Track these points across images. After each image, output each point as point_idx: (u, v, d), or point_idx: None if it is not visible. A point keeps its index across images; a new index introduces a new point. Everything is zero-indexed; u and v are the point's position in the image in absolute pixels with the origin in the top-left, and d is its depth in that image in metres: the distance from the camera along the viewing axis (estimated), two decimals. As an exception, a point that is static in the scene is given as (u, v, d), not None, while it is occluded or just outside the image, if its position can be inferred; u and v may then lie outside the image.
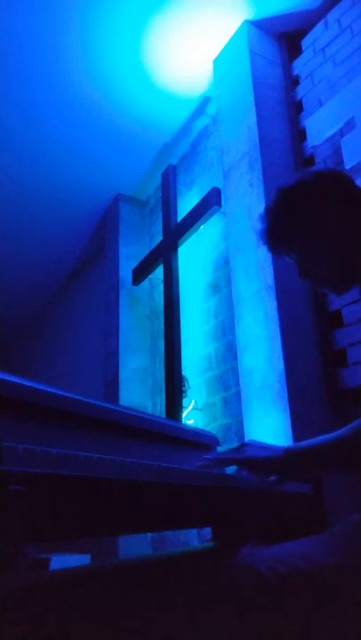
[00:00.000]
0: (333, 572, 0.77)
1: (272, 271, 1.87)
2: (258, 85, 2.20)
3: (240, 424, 2.12)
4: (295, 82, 2.31)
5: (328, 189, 0.97)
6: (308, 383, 1.79)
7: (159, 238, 3.02)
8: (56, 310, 5.03)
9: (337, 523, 0.89)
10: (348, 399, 1.78)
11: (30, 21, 2.33)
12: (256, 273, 1.96)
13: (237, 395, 2.16)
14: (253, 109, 2.15)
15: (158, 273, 3.00)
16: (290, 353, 1.79)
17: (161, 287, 2.89)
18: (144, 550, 2.66)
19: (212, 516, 0.97)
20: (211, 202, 2.49)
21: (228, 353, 2.38)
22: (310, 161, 2.12)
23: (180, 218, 2.80)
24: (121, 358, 3.16)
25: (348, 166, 1.87)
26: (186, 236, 2.71)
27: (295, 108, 2.25)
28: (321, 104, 2.11)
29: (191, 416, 2.49)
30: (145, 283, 3.28)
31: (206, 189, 2.63)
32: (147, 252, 3.21)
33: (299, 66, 2.29)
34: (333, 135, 2.00)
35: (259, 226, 1.03)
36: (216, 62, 2.53)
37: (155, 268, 3.08)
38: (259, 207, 1.98)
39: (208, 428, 2.37)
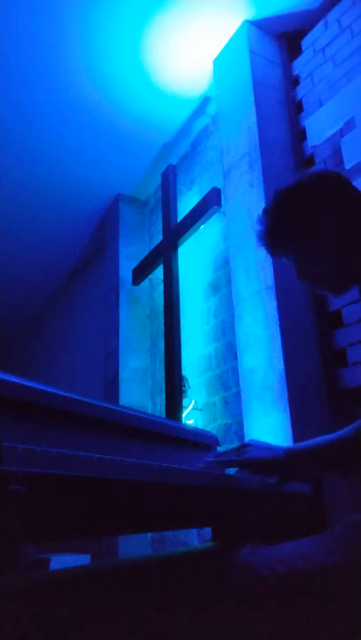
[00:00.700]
0: (333, 572, 0.77)
1: (272, 271, 1.87)
2: (258, 85, 2.20)
3: (240, 424, 2.12)
4: (295, 82, 2.31)
5: (326, 191, 0.97)
6: (308, 383, 1.79)
7: (159, 238, 3.02)
8: (56, 310, 5.03)
9: (337, 523, 0.89)
10: (348, 399, 1.78)
11: (30, 21, 2.33)
12: (256, 273, 1.96)
13: (237, 395, 2.16)
14: (253, 109, 2.15)
15: (158, 273, 3.00)
16: (290, 353, 1.79)
17: (161, 287, 2.89)
18: (144, 550, 2.66)
19: (212, 515, 0.97)
20: (211, 202, 2.49)
21: (228, 353, 2.38)
22: (310, 161, 2.12)
23: (180, 218, 2.80)
24: (121, 358, 3.16)
25: (348, 166, 1.88)
26: (186, 236, 2.71)
27: (295, 108, 2.25)
28: (321, 104, 2.11)
29: (191, 416, 2.49)
30: (145, 283, 3.28)
31: (206, 189, 2.63)
32: (147, 252, 3.21)
33: (299, 66, 2.29)
34: (333, 135, 2.00)
35: (257, 227, 1.03)
36: (216, 62, 2.53)
37: (155, 268, 3.08)
38: (259, 207, 1.97)
39: (208, 428, 2.37)
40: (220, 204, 2.47)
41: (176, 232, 2.78)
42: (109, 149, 3.15)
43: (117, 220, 3.54)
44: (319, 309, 1.92)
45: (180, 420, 2.42)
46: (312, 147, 2.11)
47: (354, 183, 1.03)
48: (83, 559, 2.21)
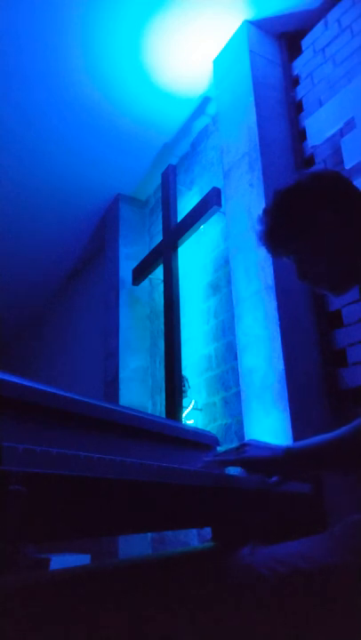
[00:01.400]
0: (333, 572, 0.77)
1: (272, 271, 1.87)
2: (258, 85, 2.20)
3: (240, 424, 2.12)
4: (295, 82, 2.31)
5: (325, 191, 0.97)
6: (308, 383, 1.79)
7: (159, 238, 3.02)
8: (56, 310, 5.03)
9: (337, 523, 0.89)
10: (348, 399, 1.78)
11: (30, 21, 2.33)
12: (256, 273, 1.96)
13: (237, 395, 2.16)
14: (253, 109, 2.15)
15: (158, 273, 3.00)
16: (290, 353, 1.79)
17: (161, 287, 2.89)
18: (144, 550, 2.66)
19: (212, 515, 0.97)
20: (211, 202, 2.49)
21: (228, 353, 2.38)
22: (310, 161, 2.12)
23: (180, 218, 2.80)
24: (121, 358, 3.16)
25: (348, 166, 1.88)
26: (186, 236, 2.71)
27: (295, 108, 2.25)
28: (321, 104, 2.11)
29: (191, 416, 2.49)
30: (145, 283, 3.28)
31: (206, 189, 2.63)
32: (147, 252, 3.21)
33: (299, 66, 2.29)
34: (333, 135, 2.00)
35: (257, 228, 1.03)
36: (216, 62, 2.53)
37: (155, 268, 3.08)
38: (259, 207, 1.98)
39: (208, 428, 2.37)
40: (220, 204, 2.47)
41: (176, 232, 2.78)
42: (109, 149, 3.15)
43: (117, 220, 3.54)
44: (319, 309, 1.92)
45: (180, 420, 2.42)
46: (312, 147, 2.11)
47: (354, 183, 1.03)
48: (83, 559, 2.21)
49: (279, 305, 1.83)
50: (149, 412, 3.07)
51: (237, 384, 2.13)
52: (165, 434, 1.00)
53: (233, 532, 1.06)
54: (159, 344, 3.08)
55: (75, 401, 0.76)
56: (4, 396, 0.63)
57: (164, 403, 2.66)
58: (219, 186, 2.51)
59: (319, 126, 2.08)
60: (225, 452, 1.03)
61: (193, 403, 2.51)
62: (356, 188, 1.00)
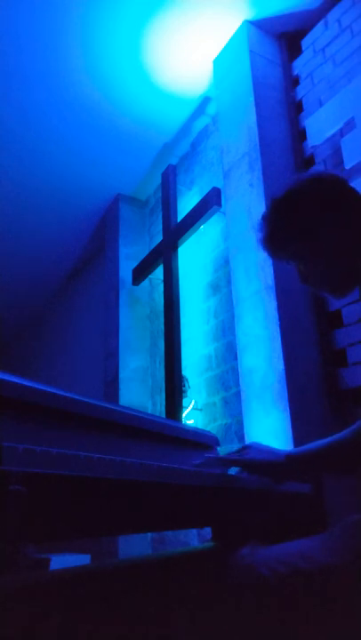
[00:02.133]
0: (333, 572, 0.77)
1: (272, 271, 1.87)
2: (258, 85, 2.20)
3: (240, 424, 2.12)
4: (295, 82, 2.31)
5: (323, 195, 0.98)
6: (308, 383, 1.79)
7: (159, 238, 3.02)
8: (56, 310, 5.03)
9: (337, 523, 0.89)
10: (348, 399, 1.78)
11: (30, 21, 2.33)
12: (256, 273, 1.96)
13: (237, 395, 2.16)
14: (253, 109, 2.14)
15: (158, 273, 3.00)
16: (290, 353, 1.79)
17: (161, 287, 2.89)
18: (144, 550, 2.66)
19: (212, 515, 0.97)
20: (211, 202, 2.49)
21: (228, 353, 2.38)
22: (310, 161, 2.12)
23: (180, 218, 2.80)
24: (121, 358, 3.16)
25: (348, 166, 1.88)
26: (186, 236, 2.71)
27: (295, 108, 2.25)
28: (321, 104, 2.11)
29: (191, 416, 2.49)
30: (145, 283, 3.28)
31: (206, 189, 2.63)
32: (147, 252, 3.21)
33: (299, 66, 2.29)
34: (333, 135, 2.00)
35: (257, 235, 1.04)
36: (216, 62, 2.53)
37: (155, 268, 3.08)
38: (259, 207, 1.98)
39: (208, 428, 2.37)
40: (220, 204, 2.47)
41: (176, 232, 2.78)
42: (109, 149, 3.15)
43: (117, 220, 3.54)
44: (319, 309, 1.92)
45: (180, 420, 2.42)
46: (312, 147, 2.11)
47: (354, 183, 1.03)
48: (83, 559, 2.21)
49: (279, 305, 1.83)
50: (149, 411, 3.07)
51: (237, 384, 2.13)
52: (165, 434, 1.00)
53: (233, 531, 1.06)
54: (159, 344, 3.08)
55: (75, 401, 0.76)
56: (4, 395, 0.63)
57: (164, 403, 2.66)
58: (219, 186, 2.51)
59: (319, 126, 2.08)
60: (227, 454, 1.04)
61: (193, 403, 2.51)
62: (354, 190, 1.00)
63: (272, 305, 1.85)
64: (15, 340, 5.93)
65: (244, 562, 0.81)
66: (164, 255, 2.85)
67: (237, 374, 2.07)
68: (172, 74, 2.64)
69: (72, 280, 4.71)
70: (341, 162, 1.92)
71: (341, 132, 1.96)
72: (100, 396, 3.29)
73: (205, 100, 2.80)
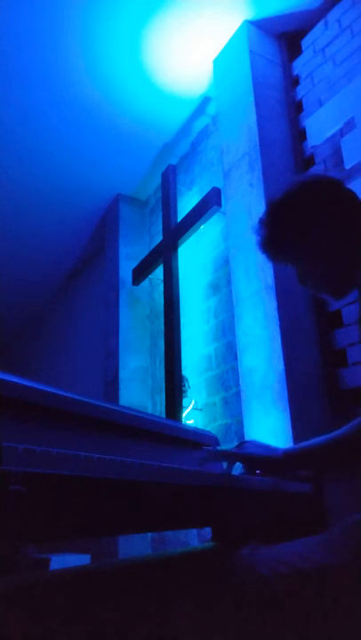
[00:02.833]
0: (333, 572, 0.77)
1: (272, 271, 1.87)
2: (258, 85, 2.20)
3: (240, 424, 2.12)
4: (295, 82, 2.31)
5: (321, 197, 0.98)
6: (308, 383, 1.79)
7: (159, 238, 3.02)
8: (56, 310, 5.03)
9: (337, 523, 0.89)
10: (348, 399, 1.78)
11: (30, 21, 2.33)
12: (256, 273, 1.96)
13: (237, 395, 2.16)
14: (253, 109, 2.15)
15: (158, 273, 3.00)
16: (290, 353, 1.79)
17: (161, 287, 2.89)
18: (144, 550, 2.66)
19: (212, 515, 0.97)
20: (211, 202, 2.49)
21: (228, 353, 2.38)
22: (310, 161, 2.12)
23: (180, 218, 2.80)
24: (121, 358, 3.16)
25: (348, 166, 1.88)
26: (186, 236, 2.71)
27: (295, 108, 2.25)
28: (321, 104, 2.11)
29: (191, 416, 2.49)
30: (145, 283, 3.28)
31: (206, 189, 2.63)
32: (147, 252, 3.21)
33: (299, 66, 2.29)
34: (333, 135, 2.00)
35: (256, 237, 1.04)
36: (216, 62, 2.53)
37: (155, 268, 3.08)
38: (259, 207, 1.98)
39: (208, 428, 2.37)
40: (220, 204, 2.47)
41: (176, 232, 2.78)
42: (109, 149, 3.15)
43: (117, 220, 3.54)
44: (319, 309, 1.92)
45: (180, 420, 2.42)
46: (312, 147, 2.11)
47: (354, 183, 1.03)
48: (83, 559, 2.21)
49: (279, 305, 1.83)
50: (149, 411, 3.07)
51: (237, 384, 2.13)
52: (165, 434, 1.00)
53: (233, 531, 1.06)
54: (159, 344, 3.08)
55: (75, 401, 0.76)
56: (4, 395, 0.63)
57: (164, 403, 2.66)
58: (219, 186, 2.51)
59: (319, 126, 2.08)
60: (225, 450, 1.04)
61: (193, 403, 2.51)
62: (351, 192, 1.00)
63: (272, 305, 1.85)
64: (15, 340, 5.93)
65: (244, 562, 0.81)
66: (164, 255, 2.85)
67: (237, 374, 2.07)
68: (172, 74, 2.64)
69: (72, 280, 4.71)
70: (341, 162, 1.92)
71: (341, 132, 1.96)
72: (100, 396, 3.28)
73: (205, 100, 2.80)
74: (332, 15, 2.13)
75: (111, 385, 3.20)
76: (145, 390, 3.18)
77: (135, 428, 0.90)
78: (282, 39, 2.39)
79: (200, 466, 0.97)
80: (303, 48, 2.28)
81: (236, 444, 2.17)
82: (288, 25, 2.35)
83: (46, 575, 0.77)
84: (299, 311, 1.89)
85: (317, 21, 2.22)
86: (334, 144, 1.99)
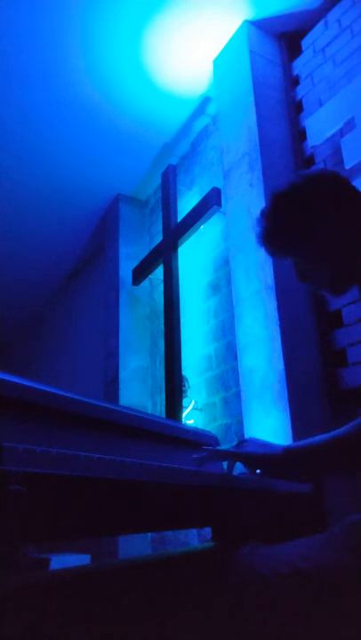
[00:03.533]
0: (333, 572, 0.77)
1: (272, 271, 1.87)
2: (258, 85, 2.20)
3: (240, 424, 2.12)
4: (295, 82, 2.31)
5: (324, 191, 0.97)
6: (308, 383, 1.79)
7: (159, 238, 3.02)
8: (56, 310, 5.03)
9: (337, 523, 0.89)
10: (348, 399, 1.77)
11: (30, 21, 2.33)
12: (256, 273, 1.96)
13: (237, 395, 2.16)
14: (253, 109, 2.15)
15: (158, 273, 3.00)
16: (290, 353, 1.79)
17: (161, 287, 2.89)
18: (144, 550, 2.66)
19: (212, 515, 0.97)
20: (211, 202, 2.49)
21: (228, 353, 2.38)
22: (310, 161, 2.12)
23: (180, 218, 2.80)
24: (121, 358, 3.16)
25: (348, 166, 1.88)
26: (186, 236, 2.71)
27: (295, 108, 2.25)
28: (321, 104, 2.11)
29: (191, 416, 2.49)
30: (145, 283, 3.28)
31: (206, 189, 2.63)
32: (147, 252, 3.21)
33: (299, 66, 2.29)
34: (333, 135, 2.00)
35: (256, 230, 1.03)
36: (216, 62, 2.53)
37: (155, 268, 3.08)
38: (259, 207, 1.97)
39: (208, 428, 2.37)
40: (220, 204, 2.47)
41: (176, 232, 2.78)
42: (109, 149, 3.15)
43: (117, 220, 3.54)
44: (319, 309, 1.92)
45: (180, 420, 2.42)
46: (312, 147, 2.11)
47: (354, 183, 1.03)
48: (83, 559, 2.21)
49: (279, 305, 1.83)
50: (149, 411, 3.07)
51: (237, 384, 2.13)
52: (165, 434, 1.00)
53: (233, 531, 1.06)
54: (159, 344, 3.08)
55: (75, 401, 0.76)
56: (4, 395, 0.63)
57: (164, 403, 2.66)
58: (219, 186, 2.51)
59: (319, 126, 2.08)
60: (225, 448, 1.03)
61: (193, 403, 2.51)
62: (354, 188, 0.99)
63: (272, 305, 1.85)
64: (15, 340, 5.93)
65: (244, 562, 0.81)
66: (164, 255, 2.85)
67: (237, 374, 2.07)
68: (172, 74, 2.64)
69: (72, 280, 4.71)
70: (341, 162, 1.92)
71: (341, 132, 1.96)
72: (100, 395, 3.29)
73: (205, 100, 2.80)
74: (332, 15, 2.13)
75: (111, 385, 3.20)
76: (145, 390, 3.18)
77: (135, 428, 0.90)
78: (282, 39, 2.39)
79: (198, 466, 0.97)
80: (303, 48, 2.28)
81: (235, 443, 2.17)
82: (288, 25, 2.35)
83: (46, 575, 0.77)
84: (299, 311, 1.89)
85: (317, 21, 2.22)
86: (334, 144, 1.99)
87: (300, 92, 2.24)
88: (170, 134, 3.04)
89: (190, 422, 2.46)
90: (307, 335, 1.87)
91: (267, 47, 2.36)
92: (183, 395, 2.50)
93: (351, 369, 1.77)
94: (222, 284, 2.50)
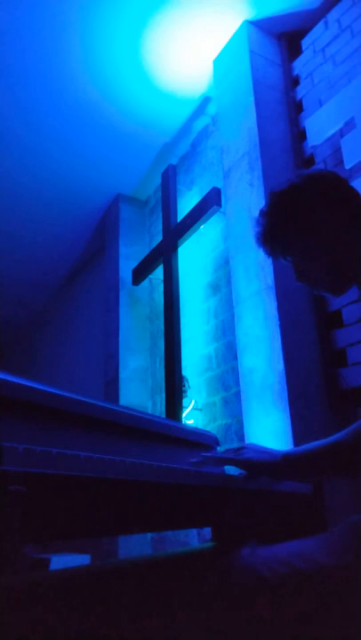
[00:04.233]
0: (333, 572, 0.77)
1: (272, 271, 1.87)
2: (258, 85, 2.20)
3: (240, 424, 2.12)
4: (295, 82, 2.31)
5: (323, 190, 0.97)
6: (308, 383, 1.79)
7: (159, 238, 3.02)
8: (56, 310, 5.04)
9: (337, 523, 0.89)
10: (348, 399, 1.78)
11: (30, 21, 2.33)
12: (256, 273, 1.96)
13: (237, 395, 2.16)
14: (253, 109, 2.15)
15: (158, 273, 3.00)
16: (290, 353, 1.79)
17: (161, 287, 2.89)
18: (144, 550, 2.66)
19: (212, 516, 0.97)
20: (211, 202, 2.49)
21: (228, 353, 2.38)
22: (310, 161, 2.12)
23: (180, 218, 2.80)
24: (121, 358, 3.16)
25: (347, 166, 1.88)
26: (186, 236, 2.71)
27: (295, 108, 2.25)
28: (321, 104, 2.11)
29: (191, 416, 2.49)
30: (145, 283, 3.28)
31: (206, 189, 2.63)
32: (147, 252, 3.21)
33: (299, 66, 2.29)
34: (333, 135, 2.00)
35: (255, 229, 1.03)
36: (216, 62, 2.53)
37: (155, 268, 3.08)
38: (259, 207, 1.96)
39: (208, 428, 2.37)
40: (220, 204, 2.47)
41: (176, 232, 2.78)
42: (110, 149, 3.15)
43: (117, 220, 3.54)
44: (319, 309, 1.92)
45: (180, 420, 2.42)
46: (312, 147, 2.11)
47: (354, 183, 1.03)
48: (83, 559, 2.21)
49: (279, 305, 1.83)
50: (149, 411, 3.07)
51: (237, 384, 2.13)
52: (165, 434, 1.00)
53: (233, 531, 1.06)
54: (159, 344, 3.08)
55: (75, 401, 0.76)
56: (4, 395, 0.63)
57: (164, 403, 2.66)
58: (219, 186, 2.51)
59: (319, 126, 2.08)
60: (223, 452, 1.03)
61: (193, 403, 2.51)
62: (352, 188, 0.99)
63: (272, 305, 1.85)
64: (15, 340, 5.93)
65: (244, 562, 0.81)
66: (164, 255, 2.85)
67: (237, 374, 2.07)
68: (172, 74, 2.64)
69: (72, 280, 4.71)
70: (341, 162, 1.92)
71: (341, 132, 1.96)
72: (100, 395, 3.28)
73: (205, 100, 2.80)
74: (332, 15, 2.13)
75: (111, 385, 3.20)
76: (145, 390, 3.18)
77: (135, 428, 0.90)
78: (282, 39, 2.39)
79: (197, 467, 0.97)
80: (303, 48, 2.28)
81: (235, 444, 2.18)
82: (288, 25, 2.35)
83: (46, 575, 0.77)
84: (299, 311, 1.89)
85: (317, 21, 2.22)
86: (334, 144, 1.99)
87: (300, 92, 2.24)
88: (170, 134, 3.04)
89: (190, 422, 2.46)
90: (307, 335, 1.87)
91: (267, 47, 2.36)
92: (183, 395, 2.50)
93: (351, 369, 1.77)
94: (222, 284, 2.50)
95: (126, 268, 3.37)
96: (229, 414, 2.29)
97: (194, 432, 1.17)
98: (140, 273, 3.20)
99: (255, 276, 1.96)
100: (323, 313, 1.91)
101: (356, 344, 1.77)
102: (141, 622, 0.68)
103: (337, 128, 1.99)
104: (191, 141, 3.06)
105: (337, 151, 1.96)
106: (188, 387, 2.56)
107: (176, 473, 0.74)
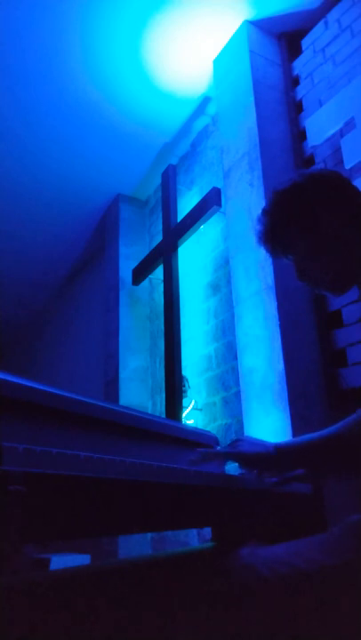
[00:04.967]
0: (333, 572, 0.77)
1: (272, 271, 1.87)
2: (258, 85, 2.20)
3: (240, 424, 2.12)
4: (295, 82, 2.31)
5: (325, 190, 0.97)
6: (308, 383, 1.79)
7: (159, 238, 3.02)
8: (56, 310, 5.04)
9: (337, 523, 0.89)
10: (348, 399, 1.77)
11: (30, 21, 2.33)
12: (256, 273, 1.96)
13: (237, 395, 2.16)
14: (253, 109, 2.15)
15: (158, 273, 3.00)
16: (290, 353, 1.79)
17: (161, 287, 2.89)
18: (144, 550, 2.66)
19: (212, 515, 0.97)
20: (211, 202, 2.49)
21: (228, 353, 2.38)
22: (310, 161, 2.12)
23: (180, 218, 2.80)
24: (121, 358, 3.16)
25: (347, 166, 1.88)
26: (186, 236, 2.71)
27: (295, 108, 2.25)
28: (321, 104, 2.11)
29: (191, 416, 2.49)
30: (145, 283, 3.28)
31: (206, 189, 2.63)
32: (147, 252, 3.21)
33: (299, 66, 2.29)
34: (333, 135, 2.00)
35: (257, 227, 1.03)
36: (216, 62, 2.53)
37: (155, 268, 3.08)
38: (259, 207, 1.97)
39: (208, 428, 2.37)
40: (220, 204, 2.47)
41: (176, 232, 2.78)
42: (110, 149, 3.15)
43: (117, 220, 3.54)
44: (319, 309, 1.92)
45: (180, 420, 2.42)
46: (312, 147, 2.11)
47: (354, 183, 1.03)
48: (83, 559, 2.21)
49: (279, 305, 1.83)
50: (149, 411, 3.07)
51: (237, 384, 2.13)
52: (165, 434, 1.00)
53: (233, 531, 1.06)
54: (159, 344, 3.08)
55: (75, 401, 0.76)
56: (4, 395, 0.63)
57: (164, 403, 2.66)
58: (219, 186, 2.51)
59: (319, 126, 2.08)
60: (219, 448, 1.03)
61: (193, 403, 2.51)
62: (355, 188, 0.99)
63: (272, 305, 1.85)
64: (15, 340, 5.93)
65: (244, 562, 0.81)
66: (164, 255, 2.85)
67: (237, 374, 2.07)
68: (172, 74, 2.64)
69: (72, 280, 4.71)
70: (341, 162, 1.92)
71: (341, 132, 1.96)
72: (100, 395, 3.28)
73: (205, 100, 2.80)
74: (332, 15, 2.13)
75: (111, 385, 3.20)
76: (145, 390, 3.18)
77: (135, 428, 0.90)
78: (282, 39, 2.39)
79: (194, 466, 0.97)
80: (303, 48, 2.28)
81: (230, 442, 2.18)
82: (288, 25, 2.35)
83: (46, 575, 0.77)
84: (299, 311, 1.89)
85: (317, 21, 2.22)
86: (334, 144, 1.99)
87: (300, 92, 2.24)
88: (170, 134, 3.04)
89: (190, 422, 2.46)
90: (307, 335, 1.87)
91: (267, 47, 2.36)
92: (183, 395, 2.50)
93: (351, 369, 1.77)
94: (222, 284, 2.50)
95: (126, 268, 3.37)
96: (229, 414, 2.29)
97: (194, 432, 1.17)
98: (140, 273, 3.20)
99: (255, 276, 1.96)
100: (323, 313, 1.91)
101: (356, 344, 1.77)
102: (141, 622, 0.68)
103: (337, 128, 1.99)
104: (191, 141, 3.06)
105: (337, 151, 1.96)
106: (188, 387, 2.56)
107: (176, 473, 0.74)
